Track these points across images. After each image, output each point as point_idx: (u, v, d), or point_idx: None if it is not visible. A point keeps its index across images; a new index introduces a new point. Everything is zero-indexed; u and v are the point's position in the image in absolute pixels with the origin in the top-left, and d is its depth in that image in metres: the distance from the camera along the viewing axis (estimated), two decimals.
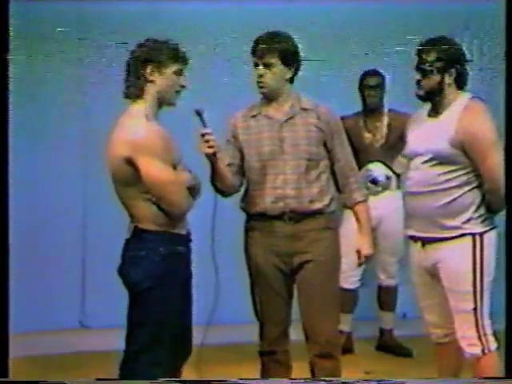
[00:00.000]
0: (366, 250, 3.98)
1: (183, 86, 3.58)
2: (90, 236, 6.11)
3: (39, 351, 5.35)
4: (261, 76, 3.87)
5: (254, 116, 3.97)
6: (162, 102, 3.56)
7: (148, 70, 3.51)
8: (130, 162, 3.43)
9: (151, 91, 3.52)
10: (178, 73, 3.55)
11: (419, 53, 3.76)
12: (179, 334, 3.57)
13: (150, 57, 3.51)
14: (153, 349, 3.47)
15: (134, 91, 3.53)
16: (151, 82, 3.51)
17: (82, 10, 5.61)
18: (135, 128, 3.45)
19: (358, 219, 4.01)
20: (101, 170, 5.82)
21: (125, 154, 3.43)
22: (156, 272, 3.47)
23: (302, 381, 3.94)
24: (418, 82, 3.77)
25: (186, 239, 3.60)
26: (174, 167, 3.50)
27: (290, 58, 3.88)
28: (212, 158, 3.68)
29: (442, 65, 3.72)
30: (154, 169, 3.41)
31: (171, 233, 3.52)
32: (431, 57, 3.73)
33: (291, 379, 3.95)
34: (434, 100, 3.78)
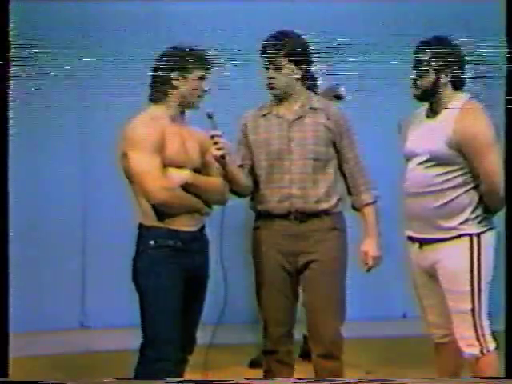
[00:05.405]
0: (374, 251, 3.96)
1: (205, 91, 3.69)
2: (90, 236, 6.12)
3: (39, 351, 5.35)
4: (270, 78, 3.87)
5: (264, 115, 3.96)
6: (184, 105, 3.68)
7: (173, 76, 3.63)
8: (126, 156, 3.58)
9: (174, 95, 3.64)
10: (202, 78, 3.66)
11: (415, 52, 3.77)
12: (178, 330, 3.60)
13: (176, 64, 3.63)
14: (153, 343, 3.55)
15: (157, 95, 3.65)
16: (175, 87, 3.63)
17: (84, 10, 5.61)
18: (132, 125, 3.60)
19: (365, 221, 3.99)
20: (101, 170, 5.85)
21: (122, 150, 3.59)
22: (147, 266, 3.58)
23: (304, 381, 3.94)
24: (415, 82, 3.77)
25: (182, 235, 3.62)
26: (179, 166, 3.59)
27: (299, 58, 3.85)
28: (221, 160, 3.69)
29: (437, 64, 3.72)
30: (133, 160, 3.54)
31: (165, 228, 3.59)
32: (427, 56, 3.73)
33: (294, 379, 3.95)
34: (431, 100, 3.78)
